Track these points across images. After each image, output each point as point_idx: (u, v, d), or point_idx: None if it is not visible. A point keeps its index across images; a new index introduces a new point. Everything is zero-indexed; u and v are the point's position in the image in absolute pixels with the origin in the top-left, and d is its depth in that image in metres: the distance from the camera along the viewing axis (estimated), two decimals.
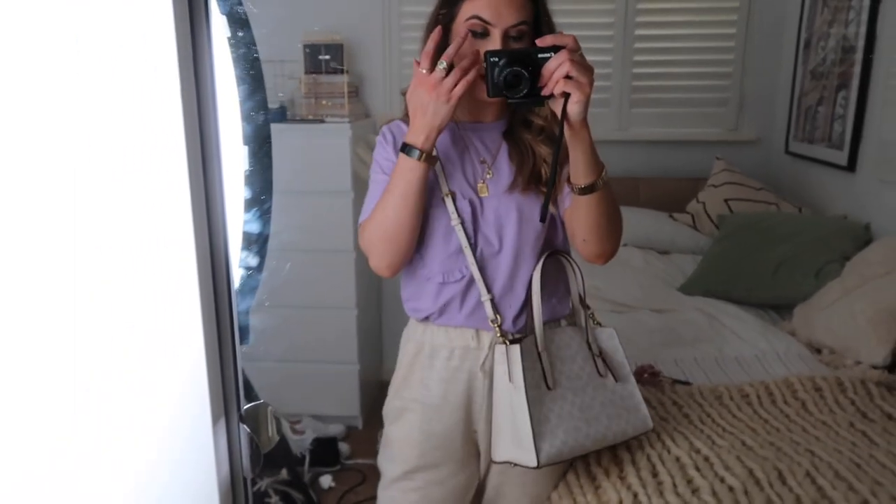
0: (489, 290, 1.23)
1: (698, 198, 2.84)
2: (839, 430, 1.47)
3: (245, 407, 0.66)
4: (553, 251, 1.27)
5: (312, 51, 2.83)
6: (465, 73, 1.06)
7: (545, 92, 1.05)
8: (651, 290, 2.39)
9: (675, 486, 1.26)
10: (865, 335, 1.79)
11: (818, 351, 1.93)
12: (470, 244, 1.21)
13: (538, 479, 1.34)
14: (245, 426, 0.64)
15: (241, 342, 0.95)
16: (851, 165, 2.49)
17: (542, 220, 1.12)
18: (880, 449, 1.38)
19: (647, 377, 1.72)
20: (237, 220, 0.67)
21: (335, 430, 2.76)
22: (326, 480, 2.49)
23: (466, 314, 1.25)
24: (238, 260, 0.72)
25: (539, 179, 1.21)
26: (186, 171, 0.58)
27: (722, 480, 1.26)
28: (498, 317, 1.23)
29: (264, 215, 0.75)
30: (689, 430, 1.46)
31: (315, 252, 2.71)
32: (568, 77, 1.01)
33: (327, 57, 2.83)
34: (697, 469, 1.30)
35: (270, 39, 3.16)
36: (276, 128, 2.67)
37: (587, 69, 1.02)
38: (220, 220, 0.61)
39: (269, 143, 0.82)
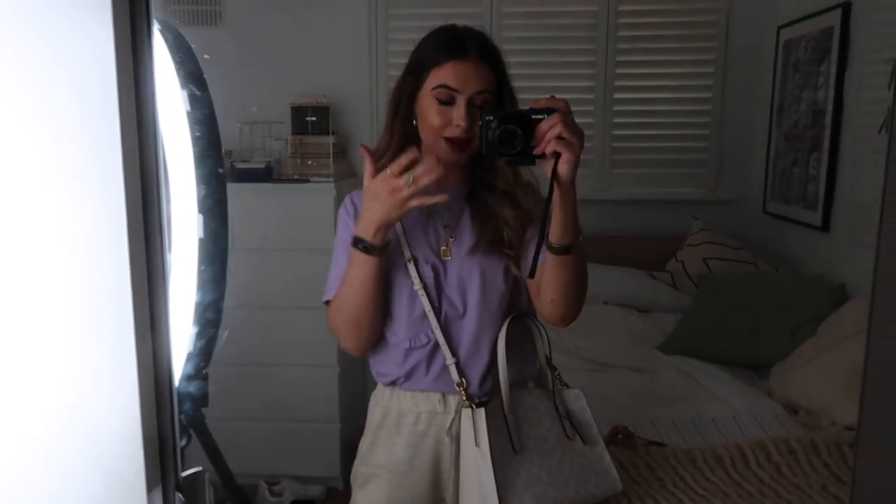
0: (454, 354, 1.23)
1: (677, 256, 2.87)
2: (812, 493, 1.46)
3: (182, 475, 0.66)
4: (518, 313, 1.28)
5: (299, 112, 2.90)
6: (422, 189, 1.10)
7: (537, 151, 1.07)
8: (630, 348, 2.39)
9: None
10: (840, 396, 1.79)
11: (795, 411, 1.92)
12: (434, 308, 1.22)
13: None
14: (181, 496, 0.64)
15: (201, 405, 0.95)
16: (825, 225, 2.53)
17: (531, 276, 1.11)
18: None
19: (621, 438, 1.71)
20: (188, 284, 0.68)
21: (315, 491, 2.71)
22: None
23: (433, 378, 1.25)
24: (189, 322, 0.73)
25: (501, 242, 1.23)
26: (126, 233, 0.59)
27: None
28: (463, 380, 1.23)
29: (216, 281, 0.77)
30: (660, 494, 1.45)
31: (297, 310, 2.71)
32: (560, 138, 1.04)
33: (314, 118, 2.90)
34: None
35: (257, 103, 3.22)
36: (261, 187, 2.72)
37: (578, 132, 1.06)
38: (160, 285, 0.63)
39: (225, 206, 0.83)
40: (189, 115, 0.75)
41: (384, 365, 1.29)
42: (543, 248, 1.13)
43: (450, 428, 1.25)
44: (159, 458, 0.66)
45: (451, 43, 1.18)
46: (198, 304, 0.68)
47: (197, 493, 0.66)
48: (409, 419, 1.27)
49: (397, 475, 1.28)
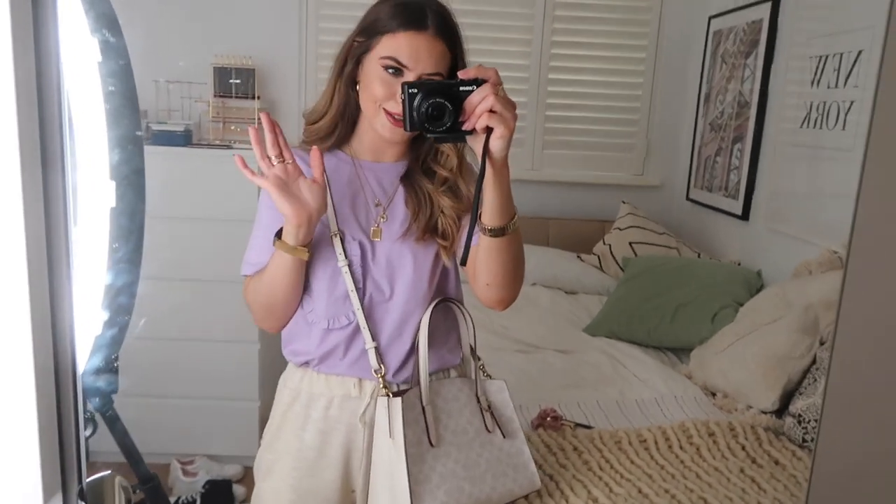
0: (374, 338, 1.17)
1: (605, 240, 2.90)
2: (731, 476, 1.50)
3: (87, 480, 0.58)
4: (444, 299, 1.21)
5: (223, 74, 2.74)
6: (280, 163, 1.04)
7: (467, 126, 0.98)
8: (557, 330, 2.41)
9: None
10: (755, 381, 1.85)
11: (713, 394, 1.98)
12: (357, 289, 1.15)
13: None
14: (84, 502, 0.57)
15: (111, 390, 0.86)
16: (745, 214, 2.62)
17: (463, 263, 1.05)
18: (767, 496, 1.41)
19: (550, 421, 1.71)
20: (97, 264, 0.59)
21: (231, 470, 2.61)
22: None
23: (350, 362, 1.18)
24: (93, 303, 0.64)
25: (435, 230, 1.17)
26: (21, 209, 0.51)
27: None
28: (382, 366, 1.17)
29: (132, 262, 0.68)
30: (587, 478, 1.45)
31: (219, 282, 2.58)
32: (492, 112, 0.95)
33: (238, 81, 2.74)
34: None
35: (178, 59, 3.03)
36: (178, 152, 2.55)
37: (510, 104, 0.97)
38: (62, 264, 0.54)
39: (143, 175, 0.74)
40: (100, 65, 0.66)
41: (299, 344, 1.21)
42: (476, 231, 1.08)
43: (363, 414, 1.18)
44: (59, 461, 0.58)
45: (409, 11, 1.08)
46: (109, 287, 0.59)
47: (105, 499, 0.58)
48: (320, 403, 1.20)
49: (305, 463, 1.20)
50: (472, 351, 1.26)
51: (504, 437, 1.23)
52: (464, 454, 1.18)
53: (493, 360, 2.10)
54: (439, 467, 1.15)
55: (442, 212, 1.16)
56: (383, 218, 1.18)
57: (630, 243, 2.80)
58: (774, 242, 2.46)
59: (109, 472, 0.59)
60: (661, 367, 2.14)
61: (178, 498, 2.42)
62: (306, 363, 1.20)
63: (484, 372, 1.27)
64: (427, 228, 1.16)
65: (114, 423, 0.92)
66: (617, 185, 3.16)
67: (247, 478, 2.64)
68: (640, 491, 1.41)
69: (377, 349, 1.16)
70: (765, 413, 1.78)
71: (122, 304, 0.60)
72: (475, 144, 1.00)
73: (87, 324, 0.60)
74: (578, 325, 2.46)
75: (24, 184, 0.51)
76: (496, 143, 0.97)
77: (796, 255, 2.24)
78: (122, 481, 0.59)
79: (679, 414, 1.83)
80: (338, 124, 1.17)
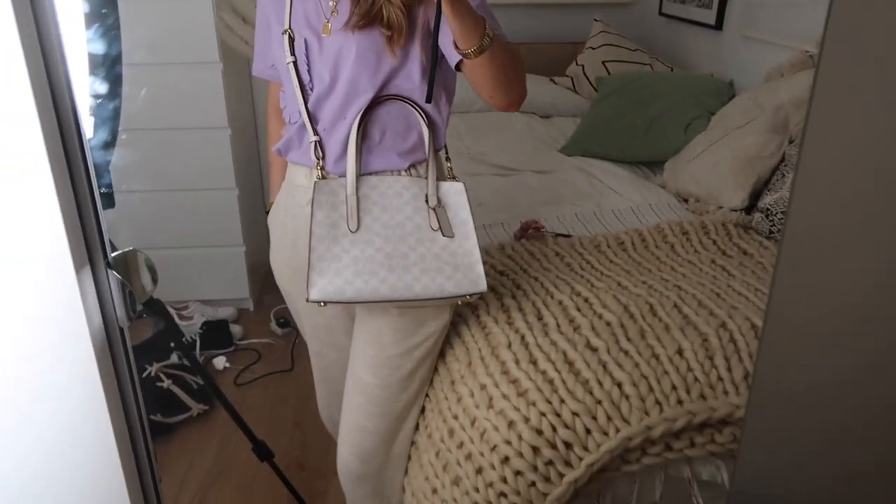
0: (315, 132, 1.21)
1: (577, 60, 2.86)
2: (703, 266, 1.61)
3: (113, 254, 0.61)
4: (400, 98, 1.19)
5: None
6: None
7: None
8: (533, 152, 2.43)
9: (558, 325, 1.35)
10: (725, 182, 1.92)
11: (685, 200, 2.06)
12: (300, 83, 1.18)
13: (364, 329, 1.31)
14: (115, 273, 0.60)
15: (99, 183, 0.87)
16: (719, 24, 2.58)
17: (428, 100, 1.05)
18: (736, 279, 1.52)
19: (532, 232, 1.78)
20: (78, 42, 0.58)
21: (225, 312, 2.71)
22: (221, 361, 2.46)
23: (302, 153, 1.25)
24: (86, 87, 0.64)
25: (380, 20, 1.13)
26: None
27: (600, 317, 1.35)
28: (320, 159, 1.21)
29: (109, 32, 0.66)
30: (570, 277, 1.54)
31: (186, 130, 2.52)
32: None
33: None
34: (578, 309, 1.39)
35: None
36: None
37: None
38: (54, 41, 0.53)
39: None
40: None
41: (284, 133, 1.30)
42: (445, 64, 1.08)
43: (310, 202, 1.22)
44: (82, 235, 0.60)
45: None
46: (104, 57, 0.59)
47: (131, 271, 0.61)
48: (285, 190, 1.32)
49: (275, 238, 1.35)
50: (435, 152, 1.25)
51: (452, 237, 1.22)
52: (390, 244, 1.19)
53: (473, 184, 2.14)
54: (355, 251, 1.18)
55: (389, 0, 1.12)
56: (335, 13, 1.16)
57: (603, 62, 2.76)
58: (748, 50, 2.44)
59: (133, 247, 0.62)
60: (636, 179, 2.20)
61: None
62: (279, 150, 1.29)
63: (450, 174, 1.28)
64: (368, 16, 1.12)
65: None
66: (588, 3, 3.06)
67: (241, 318, 2.75)
68: (619, 284, 1.51)
69: (319, 141, 1.21)
70: (735, 211, 1.87)
71: (118, 73, 0.59)
72: None
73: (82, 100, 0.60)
74: (554, 147, 2.48)
75: None
76: None
77: (770, 62, 2.24)
78: (146, 257, 0.62)
79: (654, 220, 1.91)
80: None
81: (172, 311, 2.62)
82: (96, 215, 0.60)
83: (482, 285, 1.21)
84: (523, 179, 2.23)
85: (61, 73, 0.54)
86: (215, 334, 2.55)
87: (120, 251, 0.62)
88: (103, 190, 0.60)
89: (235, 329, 2.64)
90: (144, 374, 2.15)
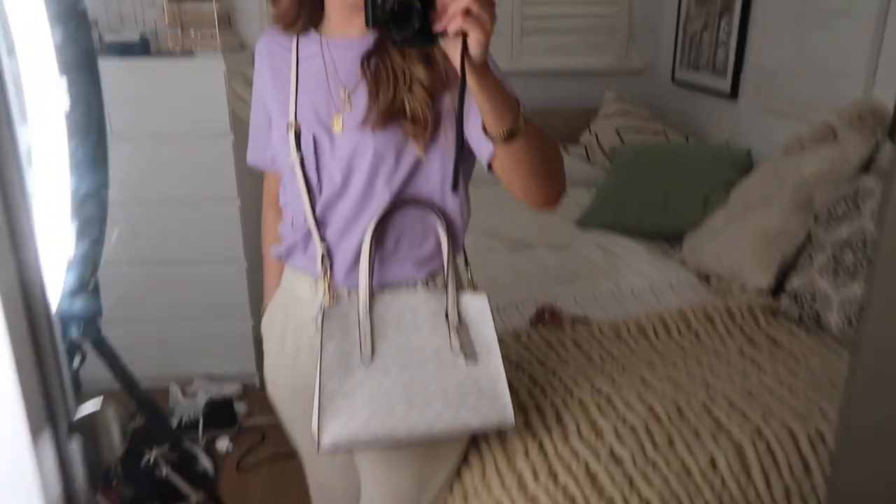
0: (323, 238, 1.08)
1: (591, 129, 2.82)
2: (731, 358, 1.51)
3: (82, 413, 0.53)
4: (417, 202, 1.08)
5: None
6: None
7: (439, 29, 0.83)
8: (547, 225, 2.37)
9: (579, 430, 1.25)
10: (749, 261, 1.84)
11: (707, 278, 1.98)
12: (307, 185, 1.06)
13: (382, 465, 1.18)
14: (78, 435, 0.52)
15: (94, 313, 0.80)
16: (734, 92, 2.54)
17: (454, 188, 0.92)
18: (768, 375, 1.42)
19: (549, 318, 1.70)
20: (59, 173, 0.52)
21: (230, 389, 2.62)
22: (224, 444, 2.36)
23: (307, 260, 1.12)
24: (66, 221, 0.57)
25: (402, 112, 1.01)
26: None
27: (624, 421, 1.26)
28: (328, 270, 1.08)
29: (95, 163, 0.60)
30: (590, 370, 1.45)
31: (196, 202, 2.50)
32: (467, 12, 0.80)
33: None
34: (600, 410, 1.29)
35: None
36: (137, 64, 2.38)
37: (489, 3, 0.82)
38: (14, 174, 0.47)
39: (94, 57, 0.65)
40: None
41: (283, 232, 1.18)
42: (485, 140, 0.92)
43: (316, 318, 1.08)
44: (42, 396, 0.53)
45: None
46: (74, 194, 0.52)
47: (99, 430, 0.54)
48: (283, 298, 1.19)
49: (271, 352, 1.22)
50: (453, 262, 1.12)
51: (476, 361, 1.08)
52: (408, 374, 1.04)
53: (485, 260, 2.07)
54: (369, 385, 1.03)
55: (410, 89, 1.00)
56: (347, 108, 1.04)
57: (616, 130, 2.73)
58: (764, 120, 2.39)
59: (101, 397, 0.54)
60: (653, 255, 2.12)
61: (181, 419, 2.43)
62: (279, 255, 1.17)
63: (472, 285, 1.16)
64: (389, 112, 1.01)
65: (102, 347, 0.87)
66: (600, 72, 3.04)
67: (247, 395, 2.66)
68: (642, 379, 1.41)
69: (328, 250, 1.09)
70: (761, 291, 1.78)
71: (91, 214, 0.52)
72: (448, 48, 0.86)
73: (57, 241, 0.53)
74: (568, 218, 2.42)
75: None
76: (472, 49, 0.82)
77: (787, 132, 2.18)
78: (116, 409, 0.54)
79: (675, 300, 1.83)
80: (302, 1, 1.05)
81: (177, 389, 2.53)
82: (59, 372, 0.53)
83: (509, 417, 1.06)
84: (538, 255, 2.16)
85: (24, 219, 0.47)
86: (219, 414, 2.46)
87: (87, 403, 0.54)
88: (74, 340, 0.53)
89: (240, 407, 2.54)
90: (143, 461, 2.06)
